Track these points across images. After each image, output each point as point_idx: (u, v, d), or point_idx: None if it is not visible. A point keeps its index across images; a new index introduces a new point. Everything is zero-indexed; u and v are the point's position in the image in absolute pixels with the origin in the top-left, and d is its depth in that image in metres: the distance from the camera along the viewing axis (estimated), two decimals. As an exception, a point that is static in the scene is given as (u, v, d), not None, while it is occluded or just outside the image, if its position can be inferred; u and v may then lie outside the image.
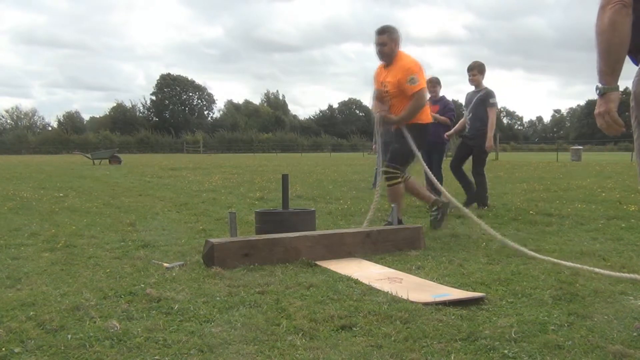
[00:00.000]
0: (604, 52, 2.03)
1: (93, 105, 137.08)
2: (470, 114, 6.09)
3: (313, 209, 4.45)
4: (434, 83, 7.37)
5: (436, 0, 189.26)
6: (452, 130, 6.69)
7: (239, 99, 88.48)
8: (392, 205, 4.18)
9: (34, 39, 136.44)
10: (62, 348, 1.98)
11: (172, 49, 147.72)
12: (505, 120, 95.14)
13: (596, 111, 2.14)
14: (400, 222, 4.30)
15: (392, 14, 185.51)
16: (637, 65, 2.12)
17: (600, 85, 2.08)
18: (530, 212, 5.84)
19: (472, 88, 6.35)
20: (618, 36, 1.97)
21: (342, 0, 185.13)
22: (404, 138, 4.44)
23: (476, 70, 6.06)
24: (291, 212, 4.22)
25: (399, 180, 4.51)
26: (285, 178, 4.27)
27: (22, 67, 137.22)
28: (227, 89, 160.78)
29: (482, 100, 6.03)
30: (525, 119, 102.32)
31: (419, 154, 4.52)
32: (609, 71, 2.05)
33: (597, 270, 3.09)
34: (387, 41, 4.51)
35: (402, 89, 4.41)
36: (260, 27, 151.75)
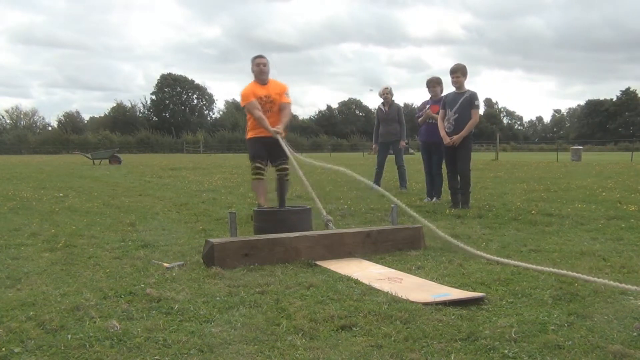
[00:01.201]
0: None
1: (92, 105, 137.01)
2: (457, 115, 6.18)
3: (309, 207, 4.52)
4: (434, 83, 7.39)
5: (434, 0, 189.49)
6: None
7: (235, 99, 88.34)
8: (392, 205, 4.19)
9: (32, 39, 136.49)
10: (62, 348, 1.98)
11: (171, 49, 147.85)
12: (505, 120, 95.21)
13: None
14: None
15: (390, 13, 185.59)
16: None
17: None
18: (530, 212, 5.84)
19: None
20: None
21: (340, 0, 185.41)
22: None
23: (459, 73, 6.16)
24: (289, 211, 4.31)
25: (260, 177, 5.42)
26: (280, 178, 4.28)
27: (21, 67, 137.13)
28: (226, 89, 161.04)
29: (469, 102, 6.12)
30: (525, 119, 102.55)
31: (291, 157, 5.19)
32: None
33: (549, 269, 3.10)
34: (267, 62, 5.56)
35: (280, 101, 5.46)
36: (259, 27, 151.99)
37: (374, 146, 9.33)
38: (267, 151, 5.48)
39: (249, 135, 5.60)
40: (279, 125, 5.32)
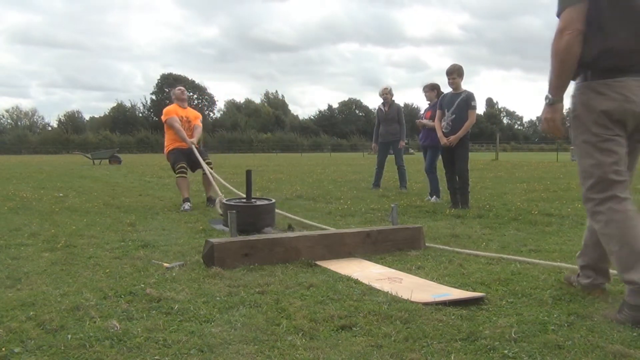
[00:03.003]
0: (558, 70, 2.37)
1: (91, 105, 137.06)
2: (454, 116, 6.21)
3: (273, 200, 5.05)
4: (429, 88, 7.49)
5: (431, 0, 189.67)
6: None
7: (237, 99, 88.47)
8: (392, 205, 4.19)
9: (30, 39, 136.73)
10: (62, 348, 1.98)
11: (169, 49, 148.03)
12: (505, 120, 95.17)
13: (544, 116, 2.49)
14: (211, 200, 6.53)
15: (388, 13, 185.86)
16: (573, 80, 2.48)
17: (550, 96, 2.42)
18: (531, 212, 5.84)
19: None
20: (572, 58, 2.33)
21: (337, 0, 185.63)
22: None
23: (455, 74, 6.18)
24: (254, 205, 4.79)
25: (184, 175, 6.57)
26: (248, 173, 4.96)
27: (20, 67, 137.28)
28: (225, 89, 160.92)
29: (465, 102, 6.15)
30: (525, 119, 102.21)
31: (203, 163, 6.56)
32: (560, 85, 2.41)
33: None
34: (185, 91, 7.21)
35: (196, 122, 6.99)
36: (256, 27, 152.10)
37: (373, 145, 9.35)
38: (185, 158, 6.66)
39: (169, 148, 6.82)
40: (193, 139, 6.76)
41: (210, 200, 6.61)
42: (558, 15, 2.36)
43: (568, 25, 2.30)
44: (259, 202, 4.88)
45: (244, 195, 5.10)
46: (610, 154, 2.36)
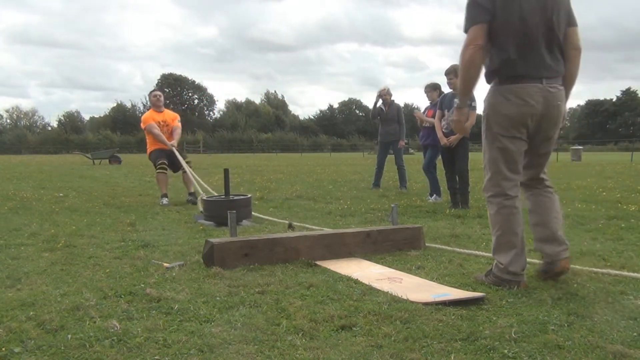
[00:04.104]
0: (464, 78, 2.80)
1: (90, 105, 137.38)
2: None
3: (250, 195, 5.63)
4: (430, 88, 7.47)
5: (428, 0, 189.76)
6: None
7: (235, 99, 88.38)
8: (392, 205, 4.19)
9: (28, 39, 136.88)
10: (62, 348, 1.98)
11: (167, 49, 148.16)
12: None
13: (452, 118, 3.15)
14: (192, 195, 7.03)
15: (385, 13, 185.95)
16: (489, 84, 2.89)
17: (457, 101, 2.88)
18: (530, 212, 5.83)
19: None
20: (475, 68, 2.75)
21: (333, 0, 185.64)
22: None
23: (452, 75, 6.17)
24: (231, 200, 5.28)
25: (163, 171, 7.05)
26: (226, 172, 5.51)
27: (18, 67, 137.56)
28: (224, 89, 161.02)
29: None
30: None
31: (183, 162, 7.04)
32: (465, 92, 2.86)
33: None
34: (161, 95, 7.56)
35: (174, 124, 7.41)
36: (253, 27, 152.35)
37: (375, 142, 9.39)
38: (166, 156, 7.13)
39: (151, 149, 7.36)
40: (172, 141, 7.19)
41: (192, 195, 7.02)
42: (465, 31, 2.76)
43: (472, 40, 2.70)
44: (236, 198, 5.38)
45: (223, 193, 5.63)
46: (506, 153, 2.80)
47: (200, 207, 5.77)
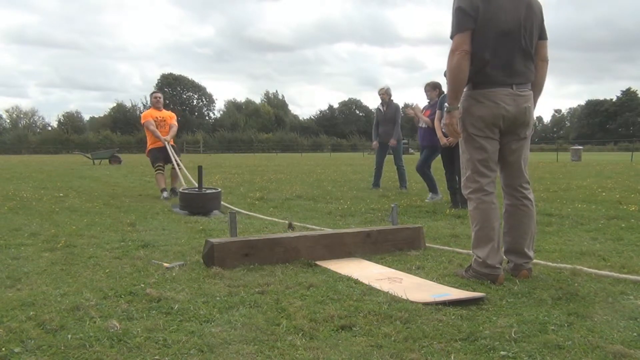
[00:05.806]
0: (452, 83, 2.91)
1: (90, 105, 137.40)
2: None
3: (220, 189, 6.32)
4: (430, 87, 7.46)
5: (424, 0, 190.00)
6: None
7: (234, 98, 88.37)
8: (392, 205, 4.19)
9: (27, 39, 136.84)
10: (62, 348, 1.98)
11: (165, 49, 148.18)
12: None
13: (443, 122, 3.21)
14: (174, 191, 7.67)
15: (382, 13, 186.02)
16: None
17: (447, 105, 2.98)
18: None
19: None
20: (462, 73, 2.86)
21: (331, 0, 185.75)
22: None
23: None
24: (201, 193, 6.05)
25: (161, 172, 7.82)
26: (200, 168, 6.28)
27: (17, 66, 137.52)
28: (223, 89, 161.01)
29: None
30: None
31: (175, 162, 7.76)
32: (454, 96, 2.95)
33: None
34: (161, 96, 8.45)
35: (171, 122, 8.24)
36: (251, 27, 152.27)
37: (374, 143, 9.36)
38: (162, 155, 7.88)
39: (149, 147, 8.10)
40: (167, 136, 7.92)
41: (174, 191, 7.73)
42: (451, 37, 2.89)
43: (458, 47, 2.84)
44: (208, 191, 6.09)
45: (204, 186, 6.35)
46: (482, 152, 2.97)
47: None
